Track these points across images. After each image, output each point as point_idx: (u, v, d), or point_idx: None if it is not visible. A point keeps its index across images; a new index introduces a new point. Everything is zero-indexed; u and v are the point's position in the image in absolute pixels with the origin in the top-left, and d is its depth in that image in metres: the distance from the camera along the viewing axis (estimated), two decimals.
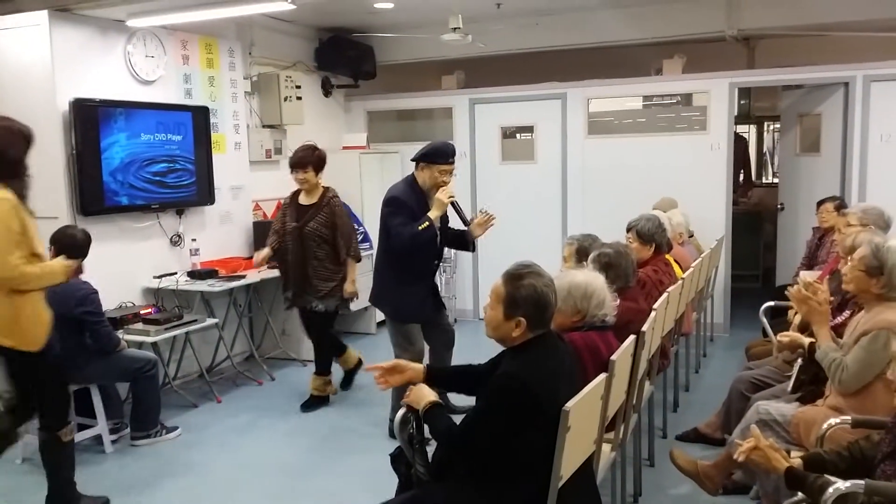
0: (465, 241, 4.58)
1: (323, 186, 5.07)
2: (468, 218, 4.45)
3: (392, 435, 4.38)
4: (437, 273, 4.63)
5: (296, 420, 4.93)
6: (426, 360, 5.02)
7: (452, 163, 4.34)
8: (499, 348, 2.56)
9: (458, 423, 2.49)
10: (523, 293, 2.38)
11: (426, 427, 2.57)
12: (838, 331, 3.33)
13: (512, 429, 2.28)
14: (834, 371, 2.92)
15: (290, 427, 4.81)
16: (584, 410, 2.31)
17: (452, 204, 4.29)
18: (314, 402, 5.14)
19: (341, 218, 5.00)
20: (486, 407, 2.39)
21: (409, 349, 4.37)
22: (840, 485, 2.07)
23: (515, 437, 2.28)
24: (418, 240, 4.18)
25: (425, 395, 2.57)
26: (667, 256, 4.63)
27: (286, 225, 5.05)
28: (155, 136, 5.29)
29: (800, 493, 2.33)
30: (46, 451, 3.57)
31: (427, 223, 4.17)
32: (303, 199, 5.05)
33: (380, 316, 7.03)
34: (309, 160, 4.97)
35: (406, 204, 4.24)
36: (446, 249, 4.73)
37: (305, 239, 4.95)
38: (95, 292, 4.26)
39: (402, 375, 2.76)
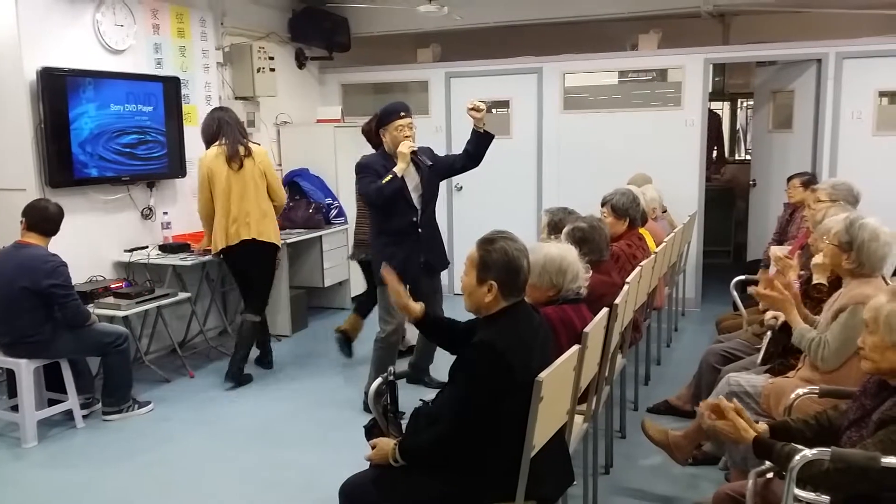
0: (477, 143, 4.41)
1: None
2: (428, 163, 4.41)
3: (367, 408, 4.43)
4: (422, 231, 4.48)
5: (270, 394, 4.92)
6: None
7: (405, 116, 4.32)
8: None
9: (437, 420, 2.46)
10: (494, 256, 2.39)
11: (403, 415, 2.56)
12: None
13: (491, 398, 2.28)
14: (815, 350, 2.95)
15: (264, 401, 4.80)
16: (557, 381, 2.32)
17: (414, 153, 4.31)
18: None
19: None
20: (465, 386, 2.36)
21: (389, 321, 4.42)
22: (807, 452, 2.10)
23: (492, 407, 2.29)
24: (384, 192, 4.22)
25: (386, 443, 2.51)
26: (641, 231, 4.66)
27: None
28: (125, 107, 5.20)
29: (768, 462, 2.36)
30: (248, 329, 5.11)
31: (391, 176, 4.21)
32: None
33: (355, 290, 7.03)
34: None
35: (372, 166, 4.31)
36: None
37: None
38: (64, 265, 4.19)
39: (407, 306, 2.85)
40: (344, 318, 6.51)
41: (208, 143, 4.96)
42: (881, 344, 2.18)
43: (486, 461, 2.34)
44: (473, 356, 2.36)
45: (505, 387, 2.27)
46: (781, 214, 5.86)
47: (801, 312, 3.18)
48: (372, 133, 4.83)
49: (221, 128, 4.92)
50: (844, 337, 2.89)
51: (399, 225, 4.38)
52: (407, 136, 4.29)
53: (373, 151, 4.63)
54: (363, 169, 4.36)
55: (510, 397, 2.26)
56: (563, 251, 3.05)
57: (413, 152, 4.30)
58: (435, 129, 7.35)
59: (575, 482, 2.65)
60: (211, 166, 4.86)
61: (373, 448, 2.55)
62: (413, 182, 4.38)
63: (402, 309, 2.91)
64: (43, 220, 4.20)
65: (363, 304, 5.58)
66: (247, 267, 5.14)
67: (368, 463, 2.66)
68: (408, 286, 4.45)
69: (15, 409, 4.26)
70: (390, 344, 4.47)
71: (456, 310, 5.57)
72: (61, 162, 4.81)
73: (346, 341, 5.53)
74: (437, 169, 4.49)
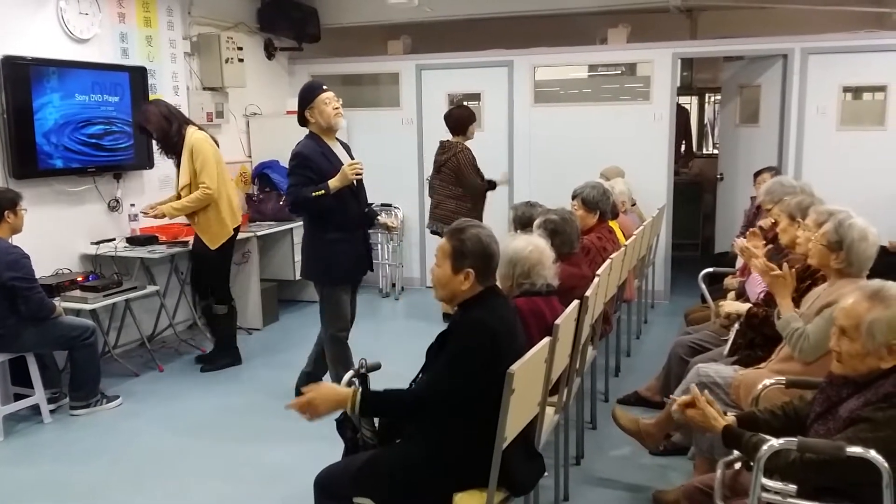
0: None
1: None
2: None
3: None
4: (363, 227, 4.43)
5: (239, 388, 4.89)
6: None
7: (327, 90, 4.21)
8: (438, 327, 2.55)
9: (414, 387, 2.48)
10: (469, 245, 2.43)
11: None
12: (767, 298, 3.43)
13: (476, 375, 2.30)
14: (795, 341, 2.96)
15: (233, 396, 4.77)
16: (528, 373, 2.34)
17: (359, 182, 4.22)
18: None
19: None
20: (454, 361, 2.35)
21: (338, 321, 4.30)
22: (774, 442, 2.15)
23: (475, 385, 2.30)
24: (307, 206, 4.12)
25: (336, 392, 2.39)
26: (611, 223, 4.70)
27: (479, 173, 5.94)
28: (90, 97, 5.11)
29: (735, 451, 2.40)
30: (234, 313, 5.35)
31: (322, 191, 4.04)
32: None
33: None
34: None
35: (310, 159, 4.11)
36: (395, 218, 4.68)
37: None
38: (26, 257, 4.12)
39: (328, 401, 2.40)
40: (312, 310, 6.50)
41: (176, 132, 4.84)
42: (862, 351, 2.18)
43: (459, 448, 2.36)
44: (462, 330, 2.38)
45: (489, 364, 2.29)
46: (749, 207, 5.94)
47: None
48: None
49: (182, 115, 5.04)
50: (826, 332, 2.89)
51: (349, 218, 4.23)
52: (336, 108, 4.18)
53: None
54: (299, 162, 4.13)
55: (489, 377, 2.26)
56: (521, 246, 3.07)
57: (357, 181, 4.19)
58: (405, 122, 7.35)
59: (546, 473, 2.68)
60: (212, 143, 4.95)
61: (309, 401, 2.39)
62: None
63: None
64: None
65: None
66: (232, 252, 5.28)
67: (341, 455, 2.66)
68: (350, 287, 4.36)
69: None
70: (339, 340, 4.32)
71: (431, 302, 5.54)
72: (25, 153, 4.72)
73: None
74: None
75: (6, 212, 4.13)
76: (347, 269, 4.29)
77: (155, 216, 4.99)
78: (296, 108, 7.24)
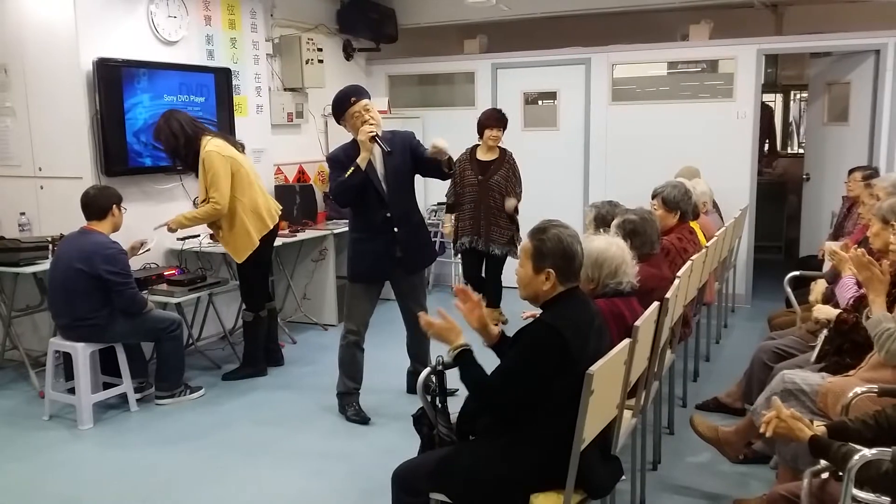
0: (433, 168, 4.22)
1: (499, 147, 5.83)
2: (387, 148, 4.02)
3: (410, 390, 4.50)
4: (398, 228, 4.20)
5: (316, 382, 4.96)
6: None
7: (357, 100, 4.01)
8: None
9: (488, 375, 2.49)
10: (549, 245, 2.43)
11: (457, 372, 2.51)
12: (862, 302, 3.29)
13: (543, 379, 2.30)
14: (883, 341, 2.84)
15: (311, 389, 4.85)
16: (607, 375, 2.31)
17: (374, 139, 3.97)
18: None
19: (518, 173, 5.84)
20: (519, 359, 2.38)
21: (350, 319, 4.31)
22: (866, 452, 2.06)
23: (544, 388, 2.30)
24: (346, 186, 3.98)
25: (455, 336, 2.53)
26: (692, 224, 4.59)
27: (465, 178, 5.79)
28: (178, 98, 5.29)
29: (822, 462, 2.32)
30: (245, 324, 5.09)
31: (353, 169, 3.96)
32: (483, 156, 5.79)
33: None
34: (505, 121, 5.76)
35: (340, 160, 4.07)
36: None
37: (490, 190, 5.75)
38: (124, 253, 4.29)
39: (473, 314, 2.63)
40: (388, 308, 6.57)
41: (185, 147, 4.66)
42: None
43: (536, 448, 2.35)
44: (532, 331, 2.38)
45: (558, 366, 2.28)
46: (839, 208, 5.72)
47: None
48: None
49: (196, 125, 4.74)
50: None
51: (371, 221, 4.16)
52: (366, 122, 3.97)
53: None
54: (332, 164, 4.13)
55: (562, 379, 2.27)
56: (604, 245, 3.02)
57: (374, 137, 3.96)
58: None
59: (624, 477, 2.64)
60: (231, 155, 4.70)
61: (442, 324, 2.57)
62: (380, 172, 4.13)
63: (478, 331, 2.69)
64: (85, 206, 4.31)
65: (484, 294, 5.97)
66: (270, 254, 5.15)
67: (417, 450, 2.69)
68: (379, 285, 4.34)
69: (72, 391, 4.37)
70: (348, 343, 4.31)
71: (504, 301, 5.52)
72: (116, 151, 4.92)
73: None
74: (413, 159, 4.20)
75: (113, 206, 4.33)
76: (365, 268, 4.26)
77: (165, 227, 4.84)
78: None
